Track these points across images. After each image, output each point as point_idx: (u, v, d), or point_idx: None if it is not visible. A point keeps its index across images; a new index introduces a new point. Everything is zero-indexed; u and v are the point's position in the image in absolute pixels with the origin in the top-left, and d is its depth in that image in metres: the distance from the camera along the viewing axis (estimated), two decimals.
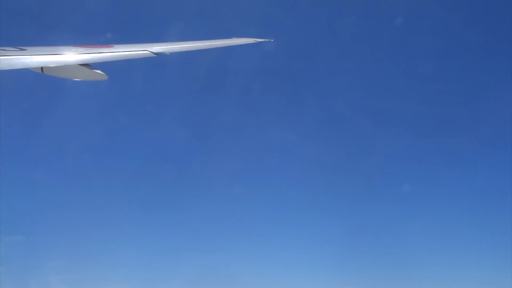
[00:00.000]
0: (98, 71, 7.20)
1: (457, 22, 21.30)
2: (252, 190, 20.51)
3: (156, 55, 7.68)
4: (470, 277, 18.56)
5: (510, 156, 19.83)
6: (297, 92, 21.21)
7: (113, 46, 7.70)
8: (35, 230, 18.11)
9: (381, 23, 21.05)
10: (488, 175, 20.79)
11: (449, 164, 21.01)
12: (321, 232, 19.86)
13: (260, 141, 21.06)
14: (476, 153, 21.04)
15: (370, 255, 19.27)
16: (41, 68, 6.68)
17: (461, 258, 19.24)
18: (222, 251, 19.08)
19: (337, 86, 21.52)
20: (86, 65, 7.04)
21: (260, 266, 19.31)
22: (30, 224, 18.09)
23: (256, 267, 19.20)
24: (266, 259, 19.58)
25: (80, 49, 7.27)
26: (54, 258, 17.83)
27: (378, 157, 20.96)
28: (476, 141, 20.92)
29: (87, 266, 17.85)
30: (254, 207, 20.25)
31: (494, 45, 21.55)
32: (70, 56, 6.87)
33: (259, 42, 10.16)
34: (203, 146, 20.97)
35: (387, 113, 21.51)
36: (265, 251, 19.67)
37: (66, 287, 17.38)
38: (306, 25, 20.95)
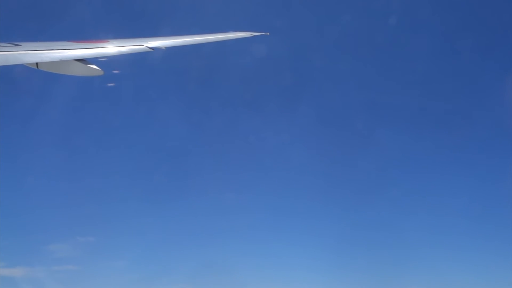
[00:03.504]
0: (94, 67, 7.16)
1: (453, 20, 21.30)
2: (250, 187, 20.54)
3: (152, 50, 7.66)
4: (469, 275, 18.70)
5: (508, 153, 19.86)
6: (294, 88, 21.19)
7: (108, 41, 7.67)
8: (104, 232, 18.98)
9: (379, 20, 21.02)
10: (487, 173, 20.85)
11: (448, 162, 21.08)
12: (320, 230, 19.91)
13: (258, 137, 21.04)
14: (475, 150, 21.08)
15: (368, 254, 19.34)
16: (36, 63, 6.64)
17: (461, 256, 19.31)
18: (222, 249, 19.20)
19: (333, 84, 21.51)
20: (82, 60, 7.01)
21: (260, 264, 19.42)
22: (101, 226, 18.98)
23: (256, 265, 19.32)
24: (266, 257, 19.66)
25: (76, 45, 7.24)
26: (120, 258, 18.78)
27: (375, 155, 21.00)
28: (474, 138, 20.96)
29: (147, 267, 18.69)
30: (253, 205, 20.30)
31: (490, 43, 21.56)
32: (65, 51, 6.83)
33: (255, 35, 10.16)
34: (201, 142, 20.96)
35: (384, 111, 21.52)
36: (265, 249, 19.76)
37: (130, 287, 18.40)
38: (302, 20, 20.90)
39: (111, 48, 7.39)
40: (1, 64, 5.74)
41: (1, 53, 5.94)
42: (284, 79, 20.72)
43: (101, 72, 7.25)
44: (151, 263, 18.77)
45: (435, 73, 21.49)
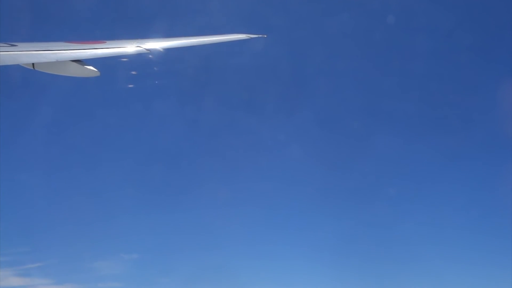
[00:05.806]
0: (90, 67, 7.17)
1: (451, 21, 21.38)
2: (250, 189, 20.50)
3: (148, 51, 7.66)
4: (467, 279, 18.73)
5: (507, 155, 19.88)
6: (292, 90, 21.19)
7: (105, 42, 7.67)
8: (147, 249, 19.20)
9: (376, 21, 21.08)
10: (484, 175, 20.87)
11: (446, 164, 21.07)
12: (320, 232, 19.89)
13: (257, 139, 21.02)
14: (472, 153, 21.07)
15: (368, 255, 19.33)
16: (33, 64, 6.64)
17: (459, 262, 19.28)
18: (222, 250, 19.16)
19: (331, 85, 21.51)
20: (78, 61, 7.01)
21: (260, 265, 19.42)
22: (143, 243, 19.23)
23: (256, 267, 19.31)
24: (266, 259, 19.66)
25: (72, 45, 7.24)
26: (164, 275, 18.88)
27: (373, 157, 21.01)
28: (472, 140, 20.98)
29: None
30: (252, 207, 20.28)
31: (489, 44, 21.64)
32: (62, 52, 6.82)
33: (252, 38, 10.18)
34: (198, 144, 20.94)
35: (382, 112, 21.53)
36: (265, 251, 19.75)
37: None
38: (299, 21, 20.95)
39: (108, 49, 7.38)
40: None
41: None
42: (282, 82, 20.76)
43: (98, 73, 7.26)
44: (195, 280, 18.60)
45: (435, 75, 21.56)
